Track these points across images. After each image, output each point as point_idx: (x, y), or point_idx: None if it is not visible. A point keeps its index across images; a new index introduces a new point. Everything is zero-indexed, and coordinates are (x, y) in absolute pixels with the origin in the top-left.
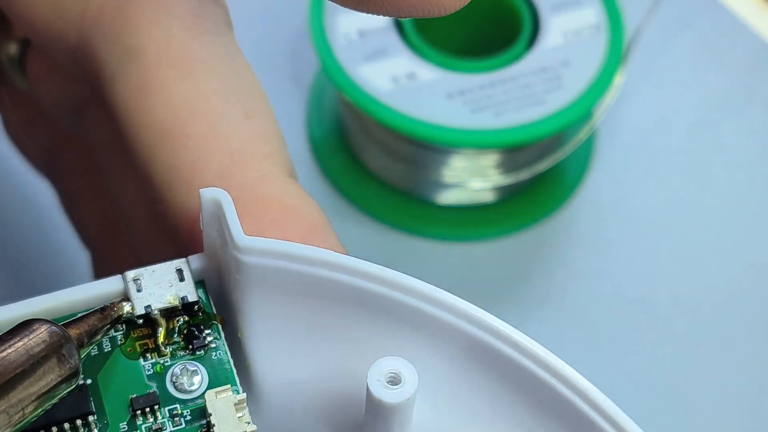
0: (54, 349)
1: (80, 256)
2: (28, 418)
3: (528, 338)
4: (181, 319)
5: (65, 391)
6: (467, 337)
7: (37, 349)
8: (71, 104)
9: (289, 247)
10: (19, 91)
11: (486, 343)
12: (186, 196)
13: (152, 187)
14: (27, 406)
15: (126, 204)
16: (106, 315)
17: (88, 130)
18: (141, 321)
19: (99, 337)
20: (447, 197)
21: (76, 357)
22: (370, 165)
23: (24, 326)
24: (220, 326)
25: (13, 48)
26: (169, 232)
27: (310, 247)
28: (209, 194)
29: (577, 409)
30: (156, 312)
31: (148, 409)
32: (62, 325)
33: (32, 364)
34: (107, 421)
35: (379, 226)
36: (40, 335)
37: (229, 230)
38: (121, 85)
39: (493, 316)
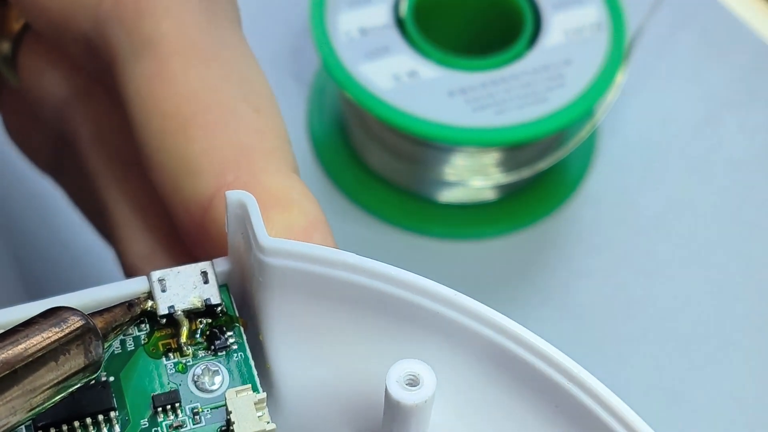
0: (79, 337)
1: (94, 252)
2: (47, 404)
3: (546, 343)
4: (204, 321)
5: (86, 380)
6: (486, 341)
7: (61, 335)
8: (60, 101)
9: (311, 249)
10: (20, 91)
11: (505, 347)
12: (196, 185)
13: (160, 175)
14: (46, 390)
15: (106, 203)
16: (131, 309)
17: (72, 129)
18: (164, 321)
19: (123, 329)
20: (448, 195)
21: (100, 347)
22: (371, 163)
23: (51, 312)
24: (242, 329)
25: (5, 46)
26: (175, 221)
27: (331, 250)
28: (234, 196)
29: (594, 416)
30: (179, 312)
31: (169, 407)
32: (88, 315)
33: (56, 350)
34: (128, 418)
35: (380, 224)
36: (66, 322)
37: (253, 231)
38: (135, 74)
39: (511, 321)
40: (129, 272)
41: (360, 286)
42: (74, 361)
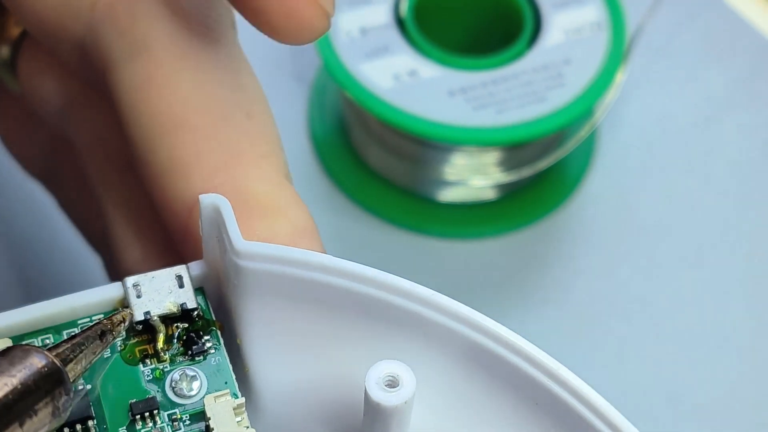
0: (48, 393)
1: (89, 257)
2: None
3: (524, 340)
4: (180, 326)
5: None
6: (464, 340)
7: (28, 388)
8: (60, 105)
9: (287, 252)
10: (15, 97)
11: (482, 345)
12: (184, 186)
13: (150, 176)
14: None
15: (102, 209)
16: (104, 339)
17: (70, 135)
18: (140, 327)
19: (94, 361)
20: (448, 195)
21: (69, 401)
22: (372, 162)
23: (16, 357)
24: (219, 332)
25: (4, 51)
26: (163, 222)
27: (308, 252)
28: (208, 200)
29: (572, 410)
30: (155, 318)
31: (147, 414)
32: (55, 351)
33: (21, 408)
34: (107, 426)
35: (380, 223)
36: (32, 371)
37: (228, 235)
38: (128, 77)
39: (489, 319)
40: (123, 277)
41: (337, 287)
42: (40, 420)
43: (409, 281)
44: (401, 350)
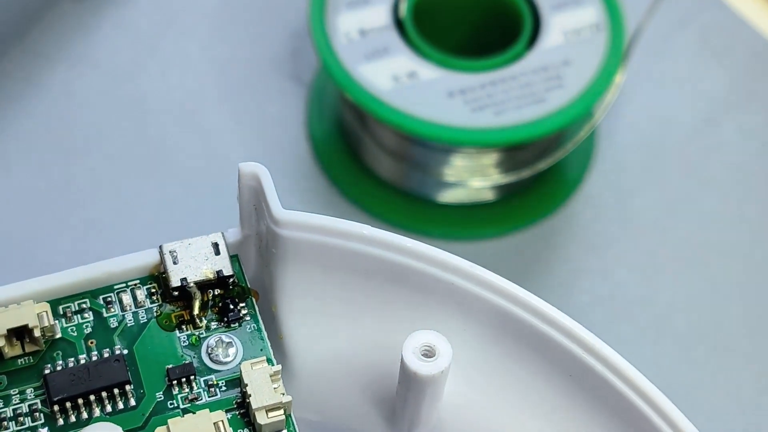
0: None
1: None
2: None
3: (561, 313)
4: (216, 292)
5: None
6: (500, 312)
7: None
8: None
9: (326, 221)
10: None
11: (519, 317)
12: None
13: None
14: None
15: None
16: None
17: None
18: (176, 293)
19: None
20: (447, 196)
21: None
22: (371, 164)
23: None
24: (254, 300)
25: None
26: None
27: (346, 222)
28: (248, 168)
29: (607, 382)
30: (191, 284)
31: (183, 380)
32: None
33: None
34: (144, 391)
35: (379, 225)
36: None
37: (267, 204)
38: None
39: (527, 292)
40: None
41: (375, 257)
42: None
43: (447, 252)
44: (437, 321)
